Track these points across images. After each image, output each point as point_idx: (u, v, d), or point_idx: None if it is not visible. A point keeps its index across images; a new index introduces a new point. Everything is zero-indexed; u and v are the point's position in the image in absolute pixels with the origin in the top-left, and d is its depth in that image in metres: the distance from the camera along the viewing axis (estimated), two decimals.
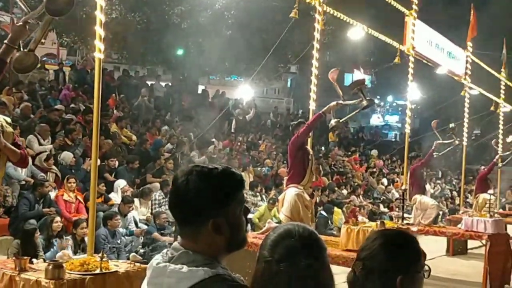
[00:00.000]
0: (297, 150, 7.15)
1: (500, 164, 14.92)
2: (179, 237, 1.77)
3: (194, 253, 1.68)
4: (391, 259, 1.95)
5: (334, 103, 7.21)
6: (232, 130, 17.87)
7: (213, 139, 15.51)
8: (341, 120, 7.64)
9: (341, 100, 7.26)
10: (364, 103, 7.10)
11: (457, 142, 11.93)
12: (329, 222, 12.79)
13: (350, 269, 2.06)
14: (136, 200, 10.07)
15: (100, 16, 5.51)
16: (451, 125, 12.06)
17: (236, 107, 20.44)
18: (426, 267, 2.05)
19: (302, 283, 1.57)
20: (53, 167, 9.75)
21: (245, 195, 1.84)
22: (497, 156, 14.60)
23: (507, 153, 15.28)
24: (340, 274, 2.24)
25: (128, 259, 6.34)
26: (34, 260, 5.89)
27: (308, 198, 7.17)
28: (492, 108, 16.53)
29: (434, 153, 11.17)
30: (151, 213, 10.00)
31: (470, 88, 14.65)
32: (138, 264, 5.09)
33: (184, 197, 1.71)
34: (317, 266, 1.59)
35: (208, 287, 1.60)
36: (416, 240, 2.09)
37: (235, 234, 1.73)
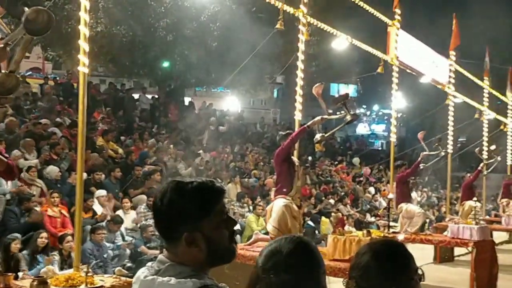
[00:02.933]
0: (282, 161, 7.19)
1: (485, 172, 15.05)
2: (164, 250, 1.79)
3: (181, 265, 1.69)
4: (382, 273, 1.94)
5: (319, 118, 7.28)
6: (204, 143, 17.09)
7: (200, 151, 15.49)
8: (326, 135, 7.69)
9: (326, 114, 7.32)
10: (348, 117, 7.15)
11: (442, 153, 11.98)
12: (316, 232, 12.80)
13: (337, 278, 2.08)
14: (121, 212, 10.03)
15: (84, 30, 5.52)
16: (437, 136, 12.12)
17: (216, 118, 20.12)
18: (420, 271, 2.03)
19: None
20: (38, 180, 9.66)
21: (227, 207, 1.82)
22: (481, 164, 14.74)
23: (491, 160, 15.44)
24: (331, 284, 2.25)
25: (115, 273, 6.31)
26: (19, 274, 5.83)
27: (296, 208, 7.18)
28: (476, 116, 16.69)
29: (420, 164, 11.25)
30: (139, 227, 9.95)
31: (454, 96, 14.79)
32: (124, 278, 5.07)
33: (160, 212, 1.74)
34: (297, 281, 1.61)
35: None
36: (404, 247, 2.07)
37: (214, 247, 1.72)
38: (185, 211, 1.70)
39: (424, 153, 11.55)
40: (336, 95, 7.55)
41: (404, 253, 2.02)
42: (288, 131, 7.73)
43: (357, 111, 7.82)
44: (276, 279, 1.61)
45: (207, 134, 17.61)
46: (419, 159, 11.18)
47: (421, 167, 11.55)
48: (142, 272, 1.76)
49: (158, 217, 1.76)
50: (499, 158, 15.88)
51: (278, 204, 7.12)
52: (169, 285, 1.64)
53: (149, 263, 1.80)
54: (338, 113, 7.37)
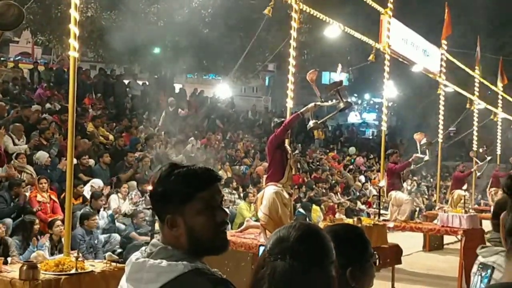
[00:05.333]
0: (275, 148, 7.16)
1: (478, 174, 15.29)
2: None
3: (173, 249, 1.70)
4: (339, 253, 1.97)
5: (312, 104, 7.22)
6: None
7: (191, 138, 15.44)
8: (319, 122, 7.66)
9: (319, 101, 7.28)
10: (341, 105, 7.12)
11: (427, 158, 11.70)
12: (307, 219, 12.84)
13: None
14: (115, 197, 10.01)
15: (74, 14, 5.45)
16: (425, 140, 11.88)
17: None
18: (376, 255, 2.10)
19: (281, 277, 1.59)
20: (28, 167, 9.60)
21: (220, 197, 1.84)
22: (474, 167, 14.95)
23: (482, 163, 15.65)
24: None
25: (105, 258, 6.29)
26: (9, 260, 5.80)
27: (287, 196, 7.16)
28: (467, 106, 16.76)
29: (412, 165, 11.24)
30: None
31: (445, 85, 14.83)
32: (114, 264, 5.05)
33: (151, 194, 1.81)
34: (300, 267, 1.61)
35: (188, 280, 1.62)
36: (362, 231, 2.17)
37: (195, 234, 1.72)
38: (169, 193, 1.74)
39: (416, 155, 11.49)
40: (329, 83, 7.50)
41: (361, 237, 2.11)
42: (282, 119, 7.67)
43: (349, 99, 7.74)
44: (282, 262, 1.60)
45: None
46: (410, 160, 11.10)
47: (412, 167, 11.54)
48: (134, 255, 1.77)
49: (151, 198, 1.83)
50: (489, 158, 16.13)
51: (268, 191, 7.11)
52: (160, 267, 1.65)
53: (143, 247, 1.80)
54: (331, 100, 7.34)
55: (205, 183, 1.76)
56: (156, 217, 1.83)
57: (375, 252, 2.12)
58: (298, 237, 1.65)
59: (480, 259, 2.89)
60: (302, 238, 1.66)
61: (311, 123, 7.45)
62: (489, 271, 2.67)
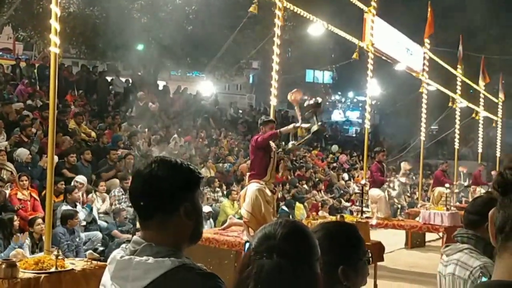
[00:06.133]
0: (257, 149, 7.17)
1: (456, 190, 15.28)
2: (140, 231, 1.79)
3: (157, 245, 1.69)
4: (331, 250, 1.96)
5: (291, 126, 7.30)
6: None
7: (174, 135, 15.37)
8: (296, 144, 7.68)
9: (299, 123, 7.25)
10: (315, 127, 7.08)
11: (315, 128, 11.59)
12: (291, 217, 12.86)
13: None
14: (94, 195, 9.92)
15: (55, 10, 5.39)
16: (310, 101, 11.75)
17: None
18: (368, 254, 2.08)
19: (268, 276, 1.57)
20: (8, 164, 9.47)
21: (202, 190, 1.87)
22: (456, 185, 14.95)
23: (465, 184, 15.75)
24: None
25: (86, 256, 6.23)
26: None
27: (269, 193, 7.17)
28: (449, 104, 16.90)
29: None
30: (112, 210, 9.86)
31: (428, 84, 14.93)
32: (95, 262, 5.00)
33: (155, 185, 1.74)
34: (289, 265, 1.59)
35: (176, 275, 1.62)
36: (356, 228, 2.13)
37: (199, 220, 1.80)
38: (182, 183, 1.75)
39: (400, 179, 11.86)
40: (308, 100, 7.35)
41: (355, 234, 2.08)
42: (270, 119, 7.56)
43: (323, 124, 7.74)
44: (268, 261, 1.58)
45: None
46: (386, 180, 11.35)
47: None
48: (117, 253, 1.75)
49: (153, 191, 1.74)
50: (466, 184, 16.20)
51: (251, 188, 7.12)
52: (147, 264, 1.63)
53: (123, 245, 1.79)
54: (310, 121, 7.27)
55: (197, 172, 1.83)
56: (139, 216, 1.78)
57: (368, 250, 2.09)
58: (284, 235, 1.64)
59: (443, 257, 2.88)
60: (288, 236, 1.64)
61: (289, 145, 7.50)
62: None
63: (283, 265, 1.58)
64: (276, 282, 1.57)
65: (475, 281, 2.55)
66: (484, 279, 2.50)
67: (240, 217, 8.10)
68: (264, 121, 7.36)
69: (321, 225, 2.13)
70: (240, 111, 24.62)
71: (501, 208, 1.27)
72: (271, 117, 8.45)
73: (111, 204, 9.91)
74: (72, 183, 9.47)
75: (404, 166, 12.60)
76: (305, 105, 7.30)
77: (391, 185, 13.06)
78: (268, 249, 1.61)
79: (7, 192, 8.57)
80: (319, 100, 7.29)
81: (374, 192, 10.65)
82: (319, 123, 7.17)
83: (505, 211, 1.25)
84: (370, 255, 2.09)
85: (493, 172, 17.96)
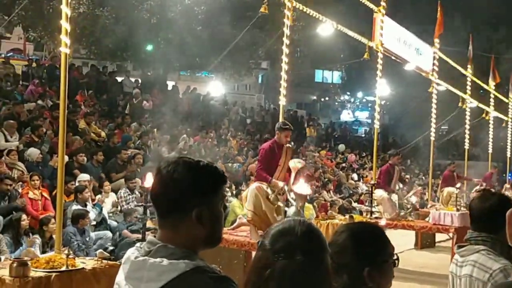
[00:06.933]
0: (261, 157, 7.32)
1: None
2: (158, 230, 1.78)
3: (172, 247, 1.68)
4: (357, 252, 1.96)
5: (281, 185, 7.05)
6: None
7: (184, 135, 15.41)
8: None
9: (286, 189, 7.11)
10: (290, 212, 6.87)
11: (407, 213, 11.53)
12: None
13: None
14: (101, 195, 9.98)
15: (65, 10, 5.42)
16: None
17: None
18: (395, 256, 2.05)
19: (292, 277, 1.57)
20: (19, 163, 9.54)
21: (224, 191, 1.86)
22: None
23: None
24: None
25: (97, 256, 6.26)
26: (1, 258, 5.77)
27: (270, 192, 7.13)
28: (459, 104, 16.81)
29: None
30: (120, 210, 9.90)
31: (438, 84, 14.86)
32: (105, 261, 5.03)
33: (170, 186, 1.72)
34: (311, 264, 1.60)
35: (190, 279, 1.61)
36: (382, 230, 2.10)
37: (215, 226, 1.76)
38: (199, 186, 1.72)
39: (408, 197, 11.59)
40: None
41: (381, 237, 2.05)
42: (287, 126, 7.36)
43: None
44: (290, 261, 1.58)
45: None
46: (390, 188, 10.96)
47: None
48: (132, 253, 1.74)
49: (168, 192, 1.73)
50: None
51: (250, 188, 7.23)
52: (161, 266, 1.63)
53: (138, 244, 1.79)
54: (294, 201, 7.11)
55: (223, 176, 1.80)
56: (156, 214, 1.77)
57: (394, 253, 2.06)
58: (304, 234, 1.64)
59: (457, 257, 2.85)
60: (309, 234, 1.65)
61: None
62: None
63: (306, 264, 1.59)
64: (300, 281, 1.58)
65: (495, 283, 2.52)
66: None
67: None
68: (282, 128, 7.27)
69: (346, 226, 2.12)
70: (249, 111, 24.64)
71: None
72: (281, 117, 8.47)
73: (115, 206, 9.96)
74: (77, 183, 9.53)
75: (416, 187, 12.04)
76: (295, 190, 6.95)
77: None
78: (287, 247, 1.60)
79: (19, 191, 8.64)
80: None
81: (377, 193, 10.60)
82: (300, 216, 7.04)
83: None
84: (396, 257, 2.05)
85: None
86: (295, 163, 7.32)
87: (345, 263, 1.97)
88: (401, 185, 11.85)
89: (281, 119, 8.40)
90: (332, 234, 2.14)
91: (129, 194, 10.13)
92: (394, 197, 10.91)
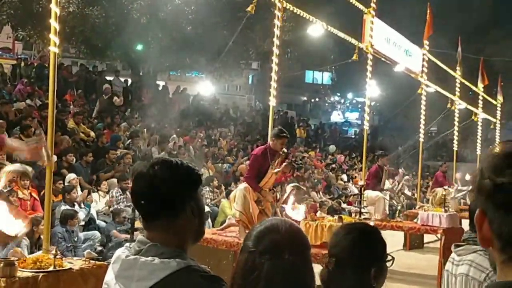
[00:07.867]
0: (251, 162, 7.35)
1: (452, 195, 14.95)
2: (144, 231, 1.78)
3: (162, 246, 1.69)
4: (365, 253, 2.01)
5: (270, 201, 7.25)
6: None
7: (173, 135, 15.37)
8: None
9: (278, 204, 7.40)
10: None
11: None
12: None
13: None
14: (95, 195, 9.93)
15: (55, 9, 5.39)
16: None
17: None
18: (390, 257, 2.13)
19: (283, 277, 1.57)
20: (7, 163, 9.45)
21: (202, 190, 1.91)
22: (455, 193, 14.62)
23: (462, 192, 15.36)
24: None
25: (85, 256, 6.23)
26: None
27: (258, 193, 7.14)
28: (448, 106, 16.90)
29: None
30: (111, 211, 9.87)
31: (427, 85, 14.92)
32: (93, 261, 5.00)
33: (159, 187, 1.73)
34: (299, 262, 1.60)
35: (181, 277, 1.62)
36: (380, 234, 2.18)
37: (202, 219, 1.82)
38: (186, 183, 1.76)
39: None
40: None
41: (381, 237, 2.14)
42: (284, 134, 7.23)
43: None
44: (278, 261, 1.57)
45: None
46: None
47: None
48: (122, 252, 1.74)
49: (157, 193, 1.73)
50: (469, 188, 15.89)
51: (239, 188, 7.28)
52: (152, 265, 1.63)
53: (127, 244, 1.79)
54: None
55: (198, 172, 1.86)
56: (143, 217, 1.78)
57: (390, 254, 2.14)
58: (288, 232, 1.64)
59: (454, 256, 2.88)
60: (292, 233, 1.65)
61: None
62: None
63: (294, 262, 1.59)
64: (289, 280, 1.58)
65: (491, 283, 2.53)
66: None
67: None
68: (279, 135, 7.13)
69: (348, 228, 2.15)
70: (240, 112, 24.63)
71: None
72: (271, 118, 8.46)
73: (108, 206, 9.93)
74: (66, 183, 9.48)
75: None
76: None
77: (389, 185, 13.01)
78: (273, 246, 1.59)
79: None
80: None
81: (372, 193, 10.64)
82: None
83: None
84: (391, 257, 2.13)
85: None
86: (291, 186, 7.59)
87: (353, 264, 2.01)
88: (391, 181, 12.02)
89: (271, 120, 8.39)
90: (333, 235, 2.17)
91: (121, 194, 10.09)
92: (387, 196, 11.01)
